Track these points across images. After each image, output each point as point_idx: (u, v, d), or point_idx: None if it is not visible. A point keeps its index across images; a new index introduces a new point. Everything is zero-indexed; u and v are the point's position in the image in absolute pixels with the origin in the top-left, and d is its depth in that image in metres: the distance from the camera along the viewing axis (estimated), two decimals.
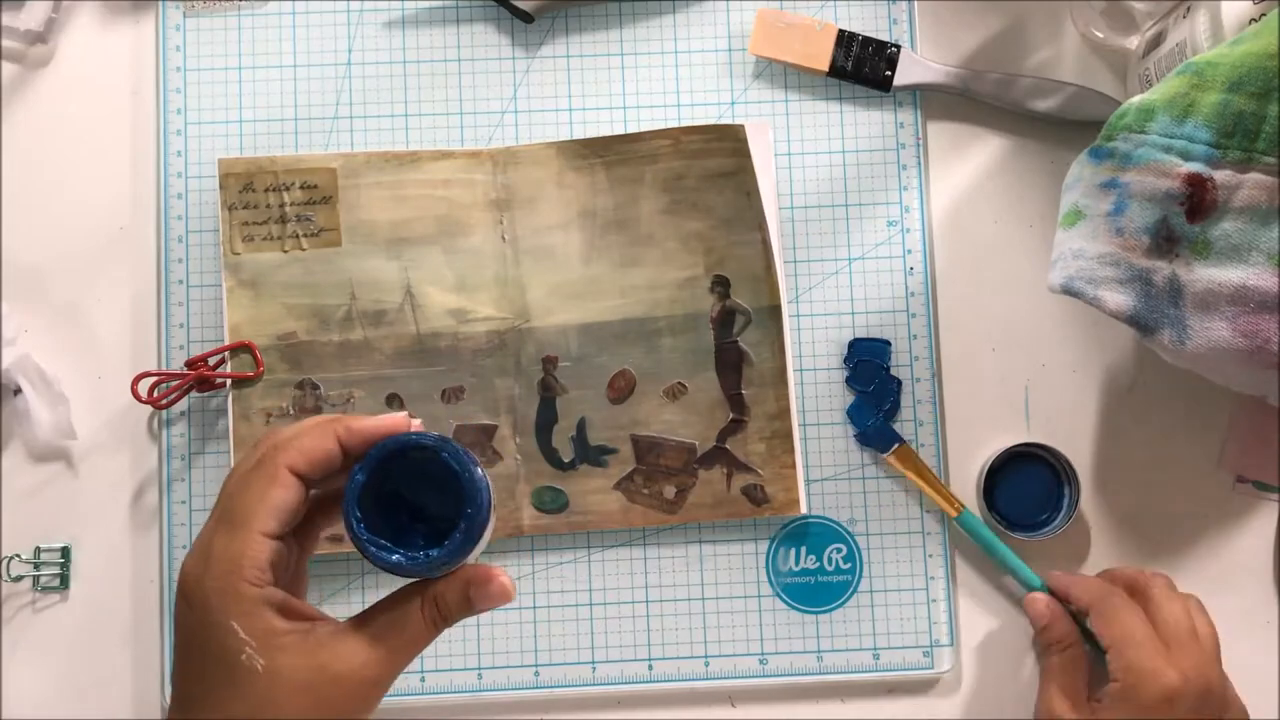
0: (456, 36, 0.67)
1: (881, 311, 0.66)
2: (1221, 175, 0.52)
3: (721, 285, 0.64)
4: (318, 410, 0.63)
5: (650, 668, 0.63)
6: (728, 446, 0.64)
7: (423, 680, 0.63)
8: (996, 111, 0.67)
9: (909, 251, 0.66)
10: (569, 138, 0.66)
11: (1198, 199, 0.52)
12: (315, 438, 0.43)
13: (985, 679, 0.64)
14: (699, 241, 0.64)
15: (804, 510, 0.63)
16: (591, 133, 0.66)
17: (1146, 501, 0.65)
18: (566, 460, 0.64)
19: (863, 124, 0.67)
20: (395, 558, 0.43)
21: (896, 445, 0.63)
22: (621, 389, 0.64)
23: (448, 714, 0.63)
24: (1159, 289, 0.54)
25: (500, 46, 0.67)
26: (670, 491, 0.64)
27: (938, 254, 0.66)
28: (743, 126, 0.64)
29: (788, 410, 0.64)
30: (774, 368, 0.64)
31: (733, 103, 0.67)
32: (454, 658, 0.63)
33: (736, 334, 0.64)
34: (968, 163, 0.67)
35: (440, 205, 0.64)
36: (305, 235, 0.64)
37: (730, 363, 0.64)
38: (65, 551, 0.64)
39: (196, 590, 0.41)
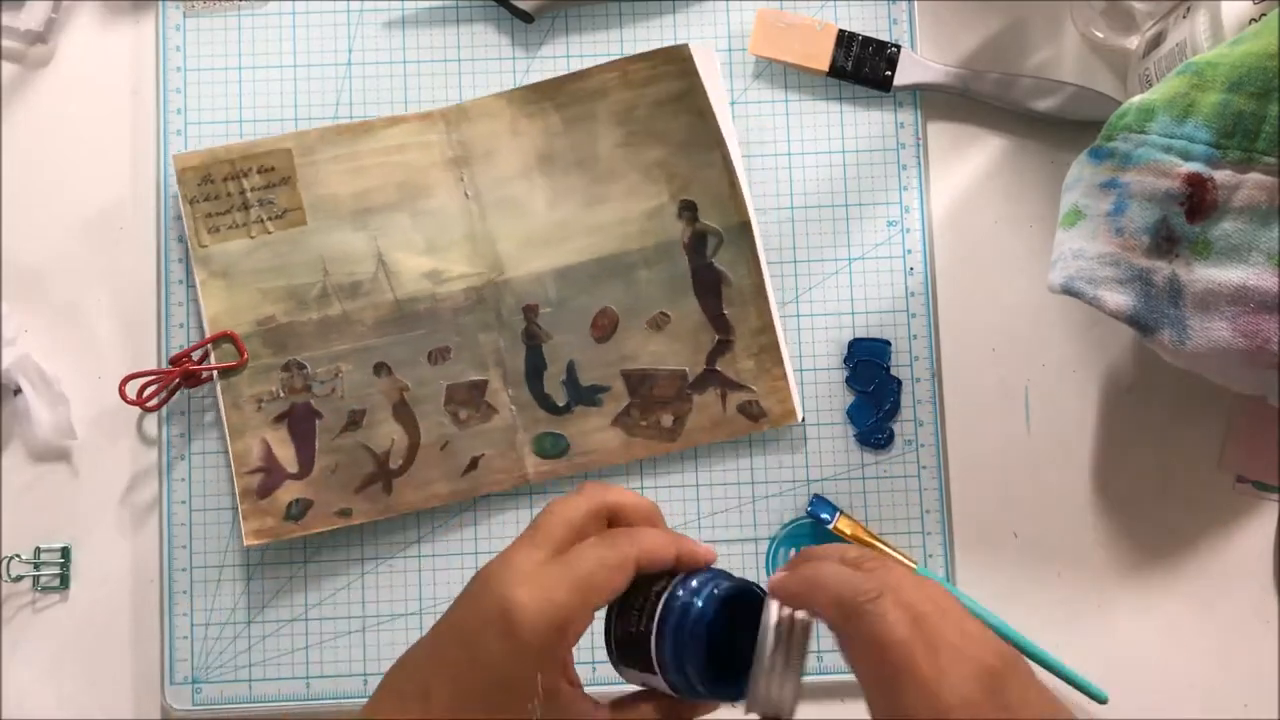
0: (456, 36, 0.67)
1: (881, 311, 0.66)
2: (1221, 175, 0.52)
3: (689, 209, 0.65)
4: (307, 390, 0.63)
5: None
6: (718, 368, 0.64)
7: None
8: (996, 111, 0.67)
9: (909, 251, 0.66)
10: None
11: (1198, 199, 0.52)
12: (661, 547, 0.46)
13: None
14: (660, 169, 0.65)
15: (800, 418, 0.64)
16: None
17: (1146, 501, 0.65)
18: (561, 404, 0.64)
19: (863, 124, 0.67)
20: (712, 692, 0.45)
21: (838, 513, 0.63)
22: (605, 327, 0.64)
23: None
24: (1159, 289, 0.53)
25: (500, 46, 0.67)
26: (668, 420, 0.64)
27: (938, 254, 0.66)
28: (686, 46, 0.64)
29: (771, 324, 0.64)
30: (752, 284, 0.64)
31: (733, 102, 0.67)
32: None
33: (711, 256, 0.64)
34: (968, 163, 0.67)
35: (398, 171, 0.64)
36: (270, 218, 0.64)
37: (709, 285, 0.64)
38: (65, 551, 0.64)
39: (526, 628, 0.43)
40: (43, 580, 0.63)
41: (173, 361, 0.63)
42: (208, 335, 0.63)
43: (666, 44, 0.67)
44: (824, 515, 0.63)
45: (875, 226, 0.66)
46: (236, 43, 0.67)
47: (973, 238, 0.66)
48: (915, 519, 0.64)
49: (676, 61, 0.64)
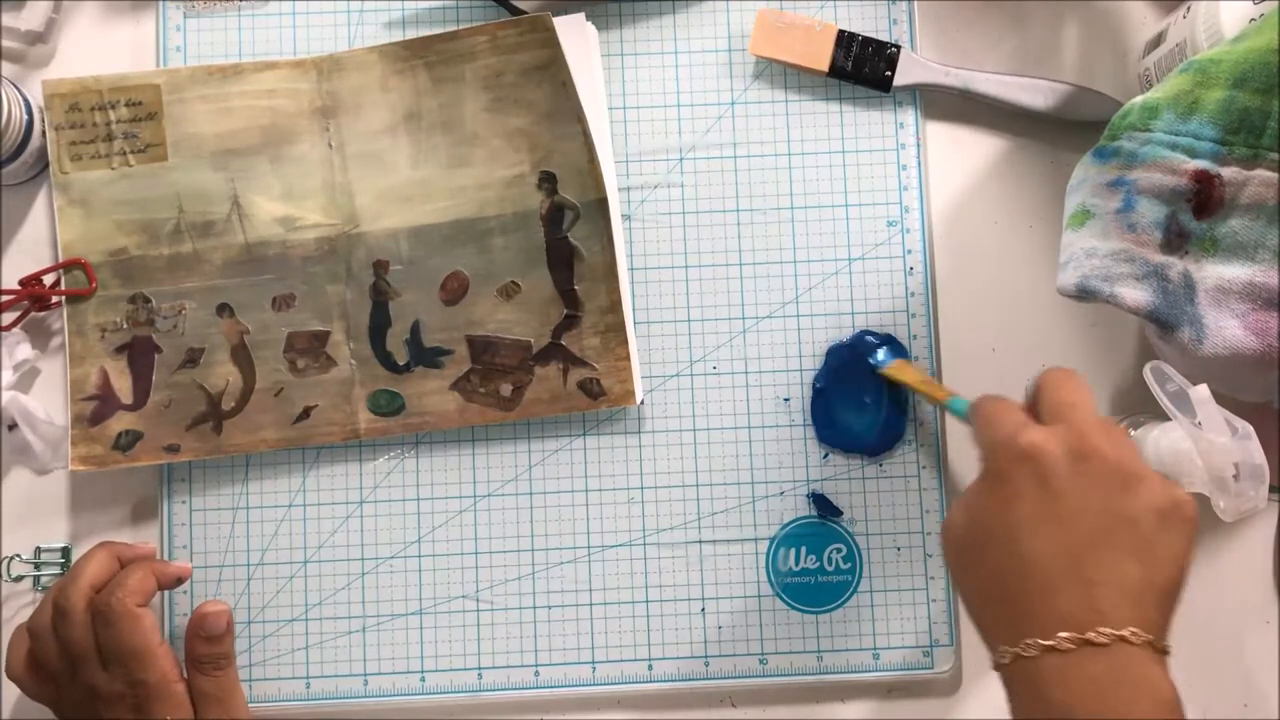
0: None
1: (881, 311, 0.66)
2: (1228, 172, 0.51)
3: (549, 181, 0.65)
4: (150, 324, 0.64)
5: (650, 668, 0.64)
6: (563, 342, 0.64)
7: (423, 680, 0.63)
8: (996, 111, 0.67)
9: (909, 251, 0.66)
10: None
11: (1205, 195, 0.52)
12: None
13: (985, 679, 0.64)
14: (523, 138, 0.65)
15: (639, 400, 0.64)
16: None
17: None
18: (401, 363, 0.64)
19: (863, 124, 0.67)
20: None
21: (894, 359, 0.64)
22: (454, 290, 0.64)
23: (448, 714, 0.63)
24: (1175, 284, 0.53)
25: None
26: (507, 389, 0.64)
27: (938, 254, 0.66)
28: (548, 15, 0.64)
29: (619, 303, 0.64)
30: (604, 261, 0.64)
31: (733, 102, 0.67)
32: (454, 658, 0.63)
33: (566, 229, 0.65)
34: (968, 163, 0.67)
35: (265, 115, 0.65)
36: (132, 151, 0.64)
37: (562, 259, 0.64)
38: (65, 552, 0.64)
39: None
40: (43, 580, 0.63)
41: (22, 283, 0.64)
42: (60, 260, 0.64)
43: (665, 45, 0.67)
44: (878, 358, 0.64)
45: (875, 226, 0.66)
46: (237, 43, 0.67)
47: (973, 238, 0.67)
48: (915, 519, 0.64)
49: (540, 30, 0.64)
